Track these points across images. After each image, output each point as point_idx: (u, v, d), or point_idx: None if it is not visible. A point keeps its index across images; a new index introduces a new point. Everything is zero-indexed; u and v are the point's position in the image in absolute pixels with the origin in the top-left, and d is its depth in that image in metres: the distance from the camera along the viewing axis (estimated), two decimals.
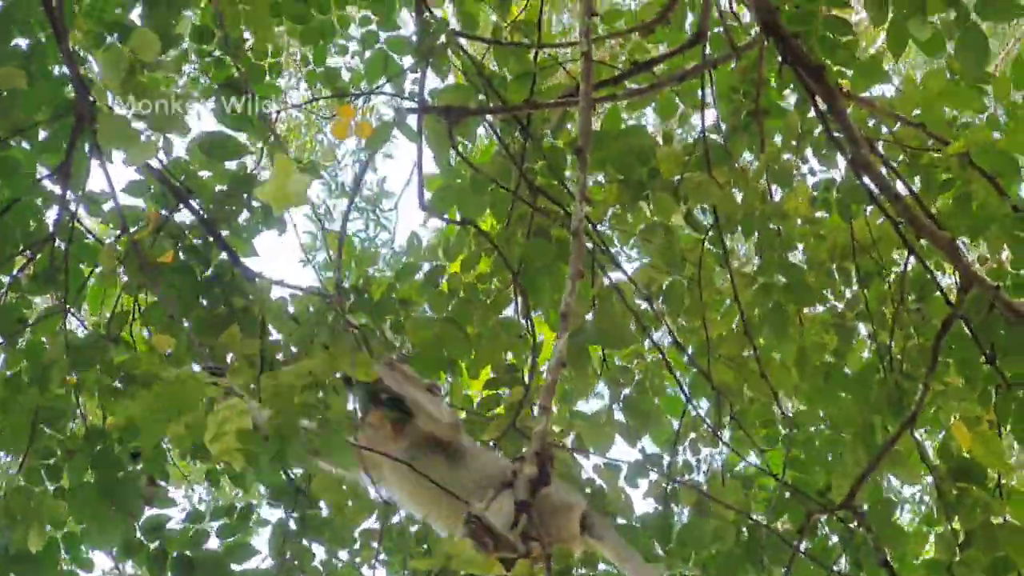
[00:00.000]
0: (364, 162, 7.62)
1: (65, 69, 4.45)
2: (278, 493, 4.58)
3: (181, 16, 5.16)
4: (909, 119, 5.07)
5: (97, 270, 4.67)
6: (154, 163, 4.69)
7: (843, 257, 5.22)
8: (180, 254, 4.69)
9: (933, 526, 4.94)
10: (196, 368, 4.40)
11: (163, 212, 4.74)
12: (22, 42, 4.67)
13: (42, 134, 4.61)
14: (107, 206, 4.65)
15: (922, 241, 4.92)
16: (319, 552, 4.73)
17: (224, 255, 4.76)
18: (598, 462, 5.03)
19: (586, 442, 5.15)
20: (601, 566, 4.40)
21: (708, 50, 5.44)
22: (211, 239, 4.76)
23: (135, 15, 4.94)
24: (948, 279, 5.37)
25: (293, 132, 10.52)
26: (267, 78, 5.35)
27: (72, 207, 4.65)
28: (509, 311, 5.32)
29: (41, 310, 4.87)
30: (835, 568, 4.93)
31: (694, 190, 5.19)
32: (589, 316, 5.15)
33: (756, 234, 5.26)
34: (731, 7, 5.58)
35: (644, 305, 5.29)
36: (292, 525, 4.56)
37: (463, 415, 5.34)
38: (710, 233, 5.31)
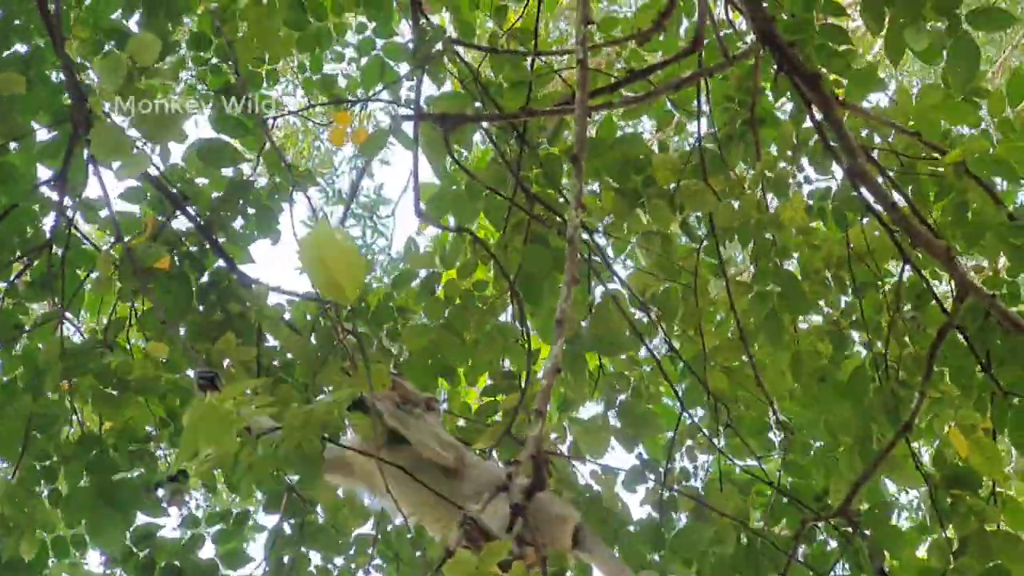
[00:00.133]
0: (360, 169, 7.63)
1: (63, 75, 4.47)
2: (275, 499, 4.59)
3: (180, 23, 5.18)
4: (904, 128, 5.08)
5: (93, 276, 4.67)
6: (151, 170, 4.70)
7: (839, 266, 5.23)
8: (176, 260, 4.69)
9: (927, 533, 4.94)
10: (191, 374, 4.42)
11: (160, 219, 4.75)
12: (21, 48, 4.68)
13: (40, 135, 4.62)
14: (104, 213, 4.66)
15: (917, 251, 4.93)
16: (314, 558, 4.75)
17: (220, 261, 4.77)
18: (595, 468, 5.04)
19: (582, 448, 5.15)
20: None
21: (704, 58, 5.44)
22: (207, 245, 4.77)
23: (133, 23, 4.96)
24: (944, 286, 5.37)
25: (290, 139, 10.53)
26: (264, 85, 5.36)
27: (69, 213, 4.67)
28: (505, 317, 5.33)
29: (37, 316, 4.88)
30: (832, 574, 4.93)
31: (690, 198, 5.20)
32: (584, 323, 5.15)
33: (752, 242, 5.26)
34: (727, 16, 5.59)
35: (639, 315, 5.29)
36: (288, 531, 4.57)
37: (461, 423, 5.34)
38: (704, 243, 5.32)
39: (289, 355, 4.73)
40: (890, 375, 4.98)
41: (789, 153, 5.22)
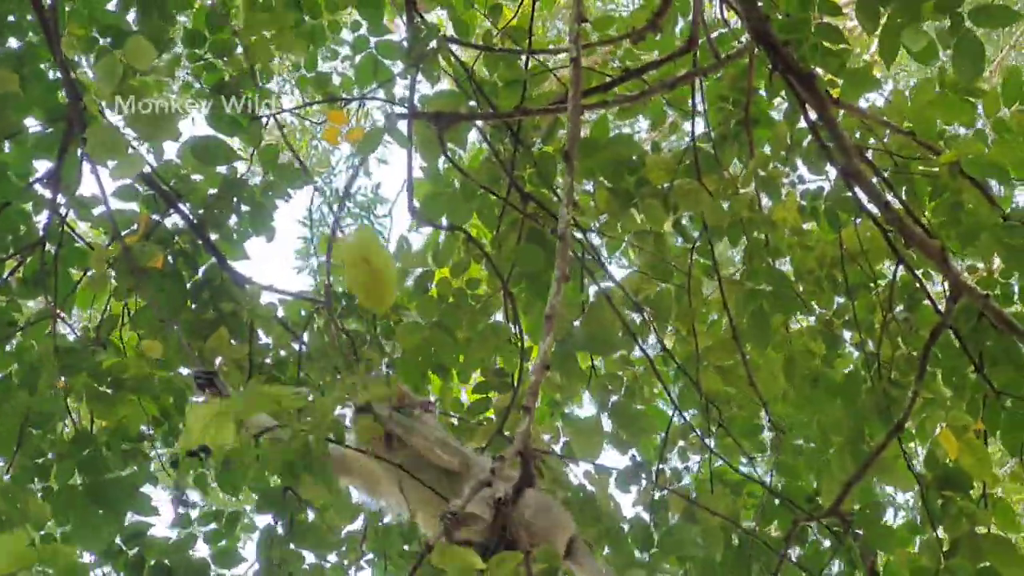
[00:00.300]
0: (355, 167, 7.62)
1: (59, 73, 4.46)
2: (267, 497, 4.58)
3: (175, 22, 5.17)
4: (899, 127, 5.08)
5: (87, 274, 4.67)
6: (144, 167, 4.69)
7: (831, 266, 5.23)
8: (169, 258, 4.69)
9: (919, 532, 4.94)
10: (184, 372, 4.43)
11: (154, 216, 4.75)
12: (14, 43, 4.68)
13: (34, 128, 4.61)
14: (97, 210, 4.66)
15: (911, 251, 4.93)
16: (308, 557, 4.74)
17: (214, 259, 4.76)
18: (588, 468, 5.03)
19: (575, 449, 5.15)
20: None
21: (699, 58, 5.44)
22: (201, 243, 4.77)
23: (129, 18, 4.95)
24: (937, 286, 5.38)
25: (289, 137, 10.52)
26: (260, 83, 5.34)
27: (62, 211, 4.66)
28: (499, 315, 5.33)
29: (31, 314, 4.87)
30: (825, 574, 4.93)
31: (684, 198, 5.20)
32: (577, 323, 5.15)
33: (745, 241, 5.27)
34: (722, 15, 5.58)
35: (632, 315, 5.29)
36: (280, 530, 4.56)
37: (454, 421, 5.34)
38: (697, 244, 5.32)
39: (283, 352, 4.74)
40: (882, 375, 4.98)
41: (783, 153, 5.22)
